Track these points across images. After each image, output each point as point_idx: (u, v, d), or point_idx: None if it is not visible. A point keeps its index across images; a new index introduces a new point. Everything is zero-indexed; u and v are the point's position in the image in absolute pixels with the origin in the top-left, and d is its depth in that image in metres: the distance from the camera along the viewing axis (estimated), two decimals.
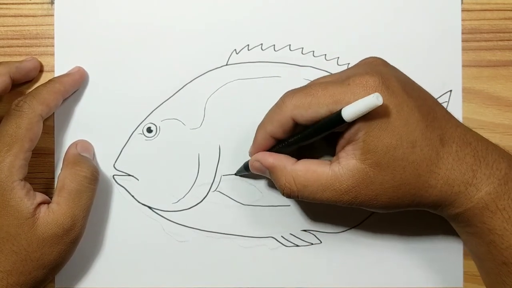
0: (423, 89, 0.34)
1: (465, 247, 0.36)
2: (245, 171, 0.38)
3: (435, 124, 0.32)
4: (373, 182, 0.31)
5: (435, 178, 0.31)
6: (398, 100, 0.31)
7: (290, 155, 0.35)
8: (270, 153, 0.35)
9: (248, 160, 0.37)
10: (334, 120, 0.31)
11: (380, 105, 0.29)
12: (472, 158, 0.32)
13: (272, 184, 0.40)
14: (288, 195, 0.34)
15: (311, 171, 0.33)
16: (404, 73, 0.35)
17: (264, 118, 0.35)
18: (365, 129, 0.31)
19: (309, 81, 0.36)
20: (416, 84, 0.34)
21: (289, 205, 0.40)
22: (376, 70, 0.32)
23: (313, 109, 0.32)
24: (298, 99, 0.33)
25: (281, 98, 0.34)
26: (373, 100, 0.29)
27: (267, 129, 0.35)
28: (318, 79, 0.35)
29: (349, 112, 0.30)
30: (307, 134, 0.33)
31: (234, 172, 0.40)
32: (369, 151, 0.31)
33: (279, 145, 0.35)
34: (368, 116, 0.30)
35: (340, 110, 0.30)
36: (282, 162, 0.34)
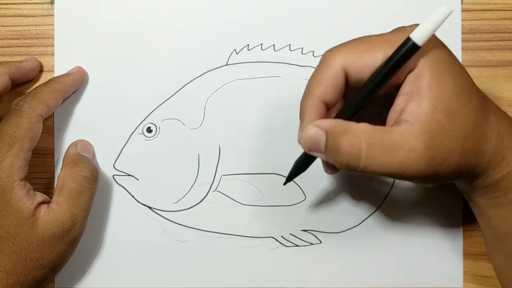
0: None
1: (490, 226, 0.33)
2: (296, 172, 0.34)
3: (475, 87, 0.31)
4: (447, 133, 0.29)
5: (489, 129, 0.30)
6: (449, 53, 0.30)
7: None
8: (325, 120, 0.30)
9: (299, 157, 0.33)
10: (404, 50, 0.28)
11: (440, 51, 0.28)
12: (509, 118, 0.31)
13: (272, 184, 0.40)
14: (351, 160, 0.29)
15: (380, 129, 0.29)
16: None
17: (308, 83, 0.31)
18: (429, 74, 0.29)
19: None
20: None
21: (289, 205, 0.40)
22: None
23: (368, 54, 0.29)
24: (349, 48, 0.30)
25: (325, 55, 0.31)
26: (444, 10, 0.27)
27: (315, 92, 0.30)
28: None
29: (420, 34, 0.28)
30: (375, 84, 0.29)
31: (234, 172, 0.40)
32: (438, 97, 0.29)
33: (337, 115, 0.31)
34: (434, 58, 0.29)
35: (408, 38, 0.28)
36: (343, 123, 0.29)
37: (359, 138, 0.29)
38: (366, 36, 0.30)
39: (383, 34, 0.30)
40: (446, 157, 0.29)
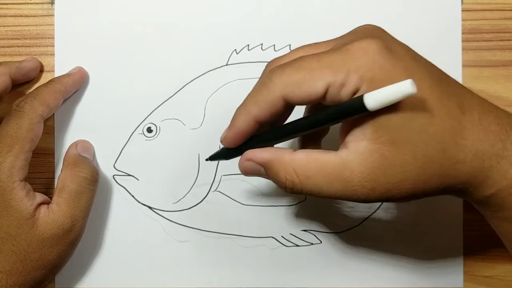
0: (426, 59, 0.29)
1: (496, 232, 0.31)
2: (219, 158, 0.33)
3: (450, 91, 0.27)
4: (392, 165, 0.26)
5: (463, 151, 0.26)
6: (405, 64, 0.26)
7: None
8: (261, 149, 0.30)
9: (223, 148, 0.32)
10: (353, 108, 0.26)
11: (388, 68, 0.25)
12: (497, 126, 0.27)
13: (272, 184, 0.40)
14: (291, 190, 0.28)
15: (314, 160, 0.28)
16: None
17: (246, 99, 0.30)
18: None
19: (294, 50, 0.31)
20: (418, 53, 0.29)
21: (289, 205, 0.40)
22: (375, 35, 0.28)
23: (308, 84, 0.27)
24: (289, 76, 0.27)
25: (267, 75, 0.29)
26: (408, 86, 0.24)
27: (251, 111, 0.29)
28: (303, 48, 0.30)
29: (374, 100, 0.25)
30: (312, 123, 0.28)
31: (235, 172, 0.40)
32: (381, 127, 0.26)
33: (268, 134, 0.30)
34: (375, 84, 0.26)
35: (362, 96, 0.25)
36: (278, 153, 0.29)
37: (292, 172, 0.28)
38: (306, 60, 0.28)
39: (322, 56, 0.27)
40: (391, 188, 0.27)
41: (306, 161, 0.28)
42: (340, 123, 0.28)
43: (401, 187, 0.27)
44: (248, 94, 0.30)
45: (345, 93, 0.27)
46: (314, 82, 0.27)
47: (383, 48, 0.26)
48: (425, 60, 0.29)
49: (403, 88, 0.24)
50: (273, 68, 0.29)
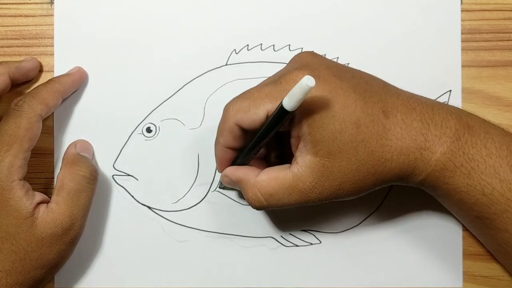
0: (356, 69, 0.35)
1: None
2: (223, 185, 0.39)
3: (374, 98, 0.32)
4: (332, 172, 0.31)
5: (388, 151, 0.31)
6: (331, 86, 0.31)
7: (266, 164, 0.35)
8: (237, 167, 0.35)
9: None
10: (279, 113, 0.30)
11: (316, 93, 0.30)
12: (419, 122, 0.32)
13: None
14: (257, 207, 0.34)
15: (273, 179, 0.33)
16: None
17: (217, 132, 0.35)
18: (307, 122, 0.31)
19: None
20: (348, 67, 0.35)
21: None
22: (304, 64, 0.33)
23: (252, 111, 0.32)
24: (238, 104, 0.33)
25: (224, 107, 0.34)
26: (305, 82, 0.28)
27: (220, 141, 0.35)
28: (262, 82, 0.35)
29: (289, 102, 0.29)
30: (260, 136, 0.33)
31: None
32: (317, 142, 0.31)
33: (239, 154, 0.35)
34: (307, 108, 0.31)
35: (281, 103, 0.30)
36: (247, 176, 0.34)
37: (257, 193, 0.33)
38: (250, 91, 0.33)
39: (263, 86, 0.33)
40: (336, 190, 0.32)
41: (267, 181, 0.33)
42: (291, 142, 0.33)
43: (343, 187, 0.32)
44: (218, 127, 0.35)
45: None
46: (257, 109, 0.32)
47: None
48: (352, 75, 0.33)
49: (303, 85, 0.28)
50: (228, 102, 0.34)
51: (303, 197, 0.32)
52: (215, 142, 0.35)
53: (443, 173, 0.32)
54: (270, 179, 0.33)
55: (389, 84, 0.34)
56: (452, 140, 0.32)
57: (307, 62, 0.33)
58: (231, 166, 0.36)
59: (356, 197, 0.33)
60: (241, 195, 0.40)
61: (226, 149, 0.35)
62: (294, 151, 0.33)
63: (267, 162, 0.38)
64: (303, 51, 0.35)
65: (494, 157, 0.31)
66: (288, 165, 0.33)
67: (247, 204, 0.40)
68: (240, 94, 0.34)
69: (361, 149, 0.31)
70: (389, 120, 0.32)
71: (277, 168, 0.34)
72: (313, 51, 0.35)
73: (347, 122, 0.31)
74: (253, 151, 0.34)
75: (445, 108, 0.33)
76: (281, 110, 0.30)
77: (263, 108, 0.32)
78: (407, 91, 0.34)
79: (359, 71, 0.34)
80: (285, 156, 0.38)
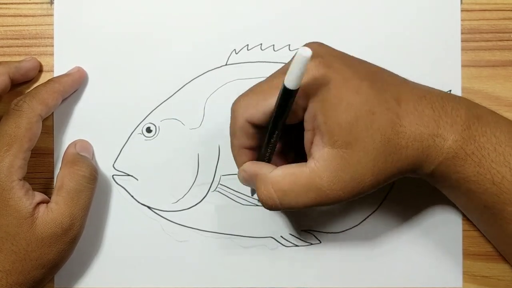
0: (363, 60, 0.34)
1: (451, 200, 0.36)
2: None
3: (386, 87, 0.32)
4: (351, 164, 0.30)
5: (403, 138, 0.31)
6: (342, 75, 0.31)
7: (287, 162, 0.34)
8: (253, 162, 0.34)
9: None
10: (283, 96, 0.29)
11: (329, 81, 0.30)
12: (431, 110, 0.32)
13: None
14: (269, 206, 0.32)
15: (289, 174, 0.31)
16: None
17: (230, 135, 0.34)
18: (321, 111, 0.30)
19: None
20: (355, 57, 0.34)
21: None
22: (316, 53, 0.31)
23: (261, 103, 0.31)
24: (246, 101, 0.32)
25: (232, 107, 0.33)
26: (300, 53, 0.27)
27: (235, 143, 0.34)
28: (268, 76, 0.34)
29: (289, 79, 0.28)
30: (272, 126, 0.31)
31: (234, 172, 0.40)
32: (334, 132, 0.30)
33: (258, 154, 0.34)
34: (320, 97, 0.30)
35: (283, 84, 0.29)
36: (262, 170, 0.32)
37: (270, 189, 0.31)
38: (258, 85, 0.33)
39: (272, 78, 0.32)
40: (357, 184, 0.31)
41: (282, 176, 0.31)
42: (305, 138, 0.32)
43: (364, 180, 0.31)
44: (229, 129, 0.34)
45: (296, 108, 0.31)
46: (267, 101, 0.31)
47: (321, 65, 0.31)
48: (362, 64, 0.33)
49: (300, 56, 0.27)
50: (235, 99, 0.33)
51: (321, 194, 0.31)
52: (231, 146, 0.35)
53: (454, 161, 0.31)
54: (285, 174, 0.31)
55: (395, 74, 0.34)
56: (463, 128, 0.31)
57: (316, 52, 0.31)
58: (249, 161, 0.34)
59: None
60: (240, 194, 0.40)
61: (243, 150, 0.34)
62: (308, 148, 0.32)
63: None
64: (310, 42, 0.34)
65: (504, 145, 0.31)
66: (305, 162, 0.32)
67: (247, 204, 0.40)
68: (247, 91, 0.33)
69: (377, 137, 0.30)
70: (401, 108, 0.31)
71: (293, 165, 0.32)
72: (320, 42, 0.34)
73: (362, 110, 0.30)
74: (268, 147, 0.33)
75: (454, 98, 0.33)
76: (284, 91, 0.29)
77: (273, 99, 0.31)
78: (414, 82, 0.34)
79: (366, 61, 0.34)
80: (304, 155, 0.36)
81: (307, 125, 0.32)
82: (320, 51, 0.32)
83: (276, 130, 0.31)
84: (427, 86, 0.34)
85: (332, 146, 0.30)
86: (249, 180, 0.34)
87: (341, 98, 0.30)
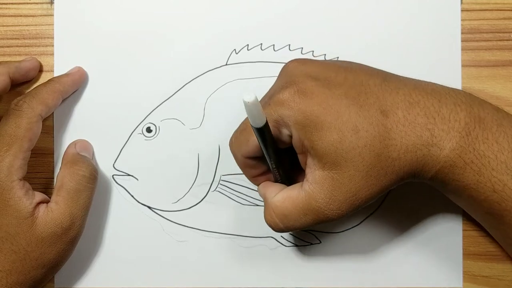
0: (351, 67, 0.33)
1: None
2: None
3: (370, 100, 0.31)
4: (343, 183, 0.30)
5: (394, 150, 0.30)
6: (319, 98, 0.31)
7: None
8: (264, 184, 0.35)
9: None
10: (256, 133, 0.30)
11: (307, 108, 0.30)
12: (424, 117, 0.30)
13: None
14: (275, 230, 0.33)
15: (287, 198, 0.32)
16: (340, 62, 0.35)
17: (234, 140, 0.35)
18: (305, 137, 0.31)
19: None
20: (342, 66, 0.33)
21: None
22: (291, 79, 0.32)
23: (251, 140, 0.32)
24: (237, 139, 0.34)
25: (229, 145, 0.35)
26: (245, 101, 0.27)
27: (246, 175, 0.36)
28: None
29: (252, 121, 0.29)
30: (267, 157, 0.33)
31: (234, 172, 0.40)
32: (321, 155, 0.30)
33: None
34: (302, 125, 0.31)
35: (251, 124, 0.30)
36: (267, 194, 0.34)
37: (272, 213, 0.33)
38: (243, 122, 0.34)
39: None
40: (353, 201, 0.31)
41: (281, 202, 0.32)
42: (299, 160, 0.33)
43: (359, 196, 0.31)
44: (235, 135, 0.35)
45: (282, 136, 0.32)
46: (253, 137, 0.32)
47: (296, 94, 0.31)
48: (343, 76, 0.32)
49: (246, 103, 0.27)
50: (229, 139, 0.35)
51: (319, 216, 0.31)
52: (234, 154, 0.35)
53: (452, 170, 0.30)
54: (284, 199, 0.32)
55: (390, 78, 0.33)
56: (462, 135, 0.30)
57: (293, 75, 0.33)
58: (264, 182, 0.35)
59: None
60: (240, 194, 0.40)
61: (256, 177, 0.35)
62: (304, 169, 0.32)
63: None
64: (290, 60, 0.34)
65: (506, 152, 0.30)
66: (301, 183, 0.32)
67: (247, 204, 0.40)
68: (236, 129, 0.35)
69: (366, 153, 0.30)
70: (389, 119, 0.30)
71: (291, 187, 0.33)
72: (299, 59, 0.34)
73: (344, 130, 0.30)
74: (274, 171, 0.34)
75: (455, 97, 0.32)
76: (254, 129, 0.30)
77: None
78: (412, 81, 0.33)
79: (354, 69, 0.33)
80: None
81: (297, 149, 0.32)
82: (296, 73, 0.33)
83: (271, 158, 0.33)
84: (426, 85, 0.32)
85: (323, 169, 0.31)
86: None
87: (321, 122, 0.30)
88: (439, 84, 0.33)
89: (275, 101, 0.31)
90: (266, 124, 0.30)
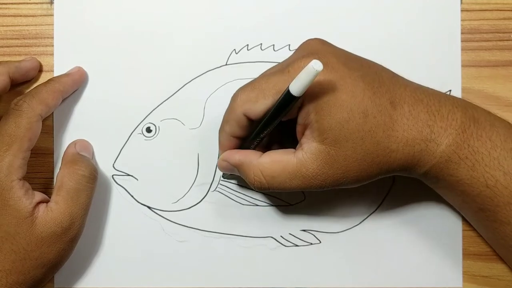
0: (365, 59, 0.34)
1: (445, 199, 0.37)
2: (226, 173, 0.39)
3: (383, 89, 0.32)
4: (337, 160, 0.32)
5: (394, 142, 0.31)
6: (339, 74, 0.31)
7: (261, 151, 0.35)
8: (236, 151, 0.35)
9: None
10: (285, 100, 0.30)
11: (325, 81, 0.30)
12: (426, 114, 0.32)
13: None
14: (259, 188, 0.34)
15: (277, 162, 0.33)
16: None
17: (222, 120, 0.35)
18: (314, 110, 0.31)
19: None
20: (357, 56, 0.34)
21: (288, 205, 0.40)
22: (312, 51, 0.33)
23: (260, 101, 0.32)
24: (246, 94, 0.33)
25: (232, 97, 0.34)
26: (312, 66, 0.28)
27: (226, 130, 0.35)
28: (266, 70, 0.35)
29: (295, 86, 0.29)
30: (265, 122, 0.33)
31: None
32: (324, 130, 0.31)
33: (244, 143, 0.35)
34: (315, 96, 0.31)
35: (288, 88, 0.30)
36: (248, 158, 0.34)
37: (259, 174, 0.33)
38: (258, 81, 0.33)
39: (271, 75, 0.33)
40: (339, 177, 0.32)
41: (270, 163, 0.33)
42: (297, 129, 0.33)
43: (347, 176, 0.32)
44: (224, 114, 0.35)
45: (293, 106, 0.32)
46: (265, 100, 0.32)
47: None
48: (361, 64, 0.33)
49: (311, 69, 0.28)
50: (236, 91, 0.34)
51: (305, 182, 0.32)
52: (220, 130, 0.36)
53: (447, 165, 0.32)
54: (273, 161, 0.33)
55: (398, 75, 0.34)
56: (458, 132, 0.32)
57: (315, 49, 0.33)
58: (229, 150, 0.36)
59: (358, 187, 0.34)
60: (240, 194, 0.40)
61: (231, 137, 0.35)
62: (300, 138, 0.33)
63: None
64: (310, 38, 0.35)
65: (499, 149, 0.32)
66: (292, 149, 0.33)
67: (247, 204, 0.40)
68: (248, 84, 0.34)
69: (367, 139, 0.31)
70: (396, 111, 0.32)
71: (281, 152, 0.34)
72: (321, 38, 0.35)
73: (354, 112, 0.31)
74: (257, 139, 0.34)
75: (452, 100, 0.33)
76: (287, 95, 0.30)
77: (270, 99, 0.32)
78: (414, 83, 0.34)
79: (368, 61, 0.34)
80: (287, 147, 0.37)
81: (300, 120, 0.33)
82: (319, 48, 0.33)
83: (269, 127, 0.33)
84: (427, 88, 0.34)
85: (321, 143, 0.32)
86: (230, 169, 0.36)
87: (336, 99, 0.31)
88: (436, 90, 0.34)
89: (295, 68, 0.32)
90: (301, 97, 0.30)
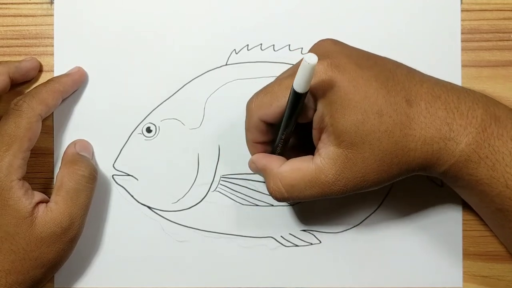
0: (380, 56, 0.34)
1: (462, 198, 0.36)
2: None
3: (397, 87, 0.31)
4: (356, 163, 0.31)
5: (412, 141, 0.31)
6: (351, 75, 0.31)
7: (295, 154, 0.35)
8: (263, 155, 0.35)
9: None
10: (293, 98, 0.30)
11: (337, 82, 0.30)
12: (444, 111, 0.31)
13: None
14: (278, 198, 0.33)
15: (296, 170, 0.32)
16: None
17: (244, 129, 0.36)
18: (328, 113, 0.31)
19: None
20: (371, 54, 0.34)
21: (288, 205, 0.40)
22: (325, 53, 0.32)
23: (275, 105, 0.32)
24: (260, 100, 0.33)
25: (247, 104, 0.34)
26: (306, 61, 0.27)
27: (248, 138, 0.35)
28: (280, 74, 0.36)
29: (297, 84, 0.29)
30: (283, 125, 0.33)
31: (234, 172, 0.40)
32: (340, 133, 0.31)
33: (272, 147, 0.35)
34: (328, 98, 0.31)
35: (292, 87, 0.30)
36: (271, 165, 0.34)
37: (278, 183, 0.33)
38: (270, 85, 0.33)
39: (282, 79, 0.33)
40: (360, 181, 0.31)
41: (289, 172, 0.33)
42: (313, 134, 0.33)
43: (367, 178, 0.31)
44: (244, 124, 0.35)
45: (306, 109, 0.32)
46: (279, 101, 0.32)
47: (328, 67, 0.31)
48: (376, 60, 0.33)
49: (305, 64, 0.27)
50: (250, 98, 0.34)
51: (325, 189, 0.32)
52: (246, 139, 0.36)
53: (466, 164, 0.31)
54: (292, 170, 0.33)
55: (414, 71, 0.33)
56: (478, 130, 0.31)
57: (326, 50, 0.33)
58: (258, 153, 0.35)
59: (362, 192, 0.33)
60: (240, 194, 0.40)
61: (256, 144, 0.35)
62: (316, 143, 0.33)
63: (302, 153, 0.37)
64: (322, 39, 0.34)
65: None
66: (311, 156, 0.33)
67: (247, 204, 0.40)
68: (261, 89, 0.34)
69: (384, 139, 0.31)
70: (412, 109, 0.31)
71: (300, 159, 0.33)
72: (333, 39, 0.34)
73: (369, 112, 0.30)
74: (280, 141, 0.34)
75: (472, 96, 0.32)
76: (294, 94, 0.30)
77: (284, 101, 0.32)
78: (433, 77, 0.33)
79: (382, 58, 0.34)
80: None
81: (315, 124, 0.32)
82: (330, 49, 0.33)
83: (288, 128, 0.33)
84: (446, 83, 0.33)
85: (338, 146, 0.31)
86: (258, 171, 0.36)
87: (349, 100, 0.31)
88: (456, 84, 0.33)
89: None
90: (306, 93, 0.30)
